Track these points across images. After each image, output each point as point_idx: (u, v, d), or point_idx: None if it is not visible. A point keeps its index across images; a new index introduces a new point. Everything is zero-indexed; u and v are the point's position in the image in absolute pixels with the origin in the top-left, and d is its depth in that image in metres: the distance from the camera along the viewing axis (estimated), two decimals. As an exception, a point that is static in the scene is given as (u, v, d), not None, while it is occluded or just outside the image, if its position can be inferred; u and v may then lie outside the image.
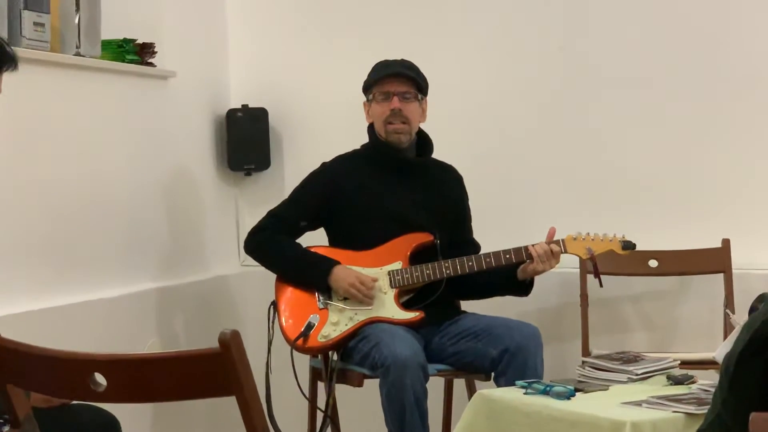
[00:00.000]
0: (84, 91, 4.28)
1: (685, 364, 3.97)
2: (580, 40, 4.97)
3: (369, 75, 4.39)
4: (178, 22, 4.91)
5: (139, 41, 4.57)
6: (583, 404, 3.43)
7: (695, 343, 4.68)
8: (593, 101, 4.96)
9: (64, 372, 2.10)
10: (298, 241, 4.34)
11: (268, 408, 4.15)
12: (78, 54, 4.15)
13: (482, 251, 4.29)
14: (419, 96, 4.34)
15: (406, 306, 4.22)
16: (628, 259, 4.46)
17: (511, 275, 4.23)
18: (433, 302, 4.20)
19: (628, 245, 4.25)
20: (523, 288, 4.29)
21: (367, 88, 4.37)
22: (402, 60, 4.38)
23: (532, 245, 4.17)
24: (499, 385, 4.03)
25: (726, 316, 4.47)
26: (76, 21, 4.13)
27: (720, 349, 3.68)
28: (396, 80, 4.32)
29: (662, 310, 4.88)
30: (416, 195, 4.34)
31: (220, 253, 5.17)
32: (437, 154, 4.44)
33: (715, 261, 4.68)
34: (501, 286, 4.33)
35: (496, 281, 4.30)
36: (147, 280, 4.60)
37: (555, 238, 4.21)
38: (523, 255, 4.19)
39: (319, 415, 4.30)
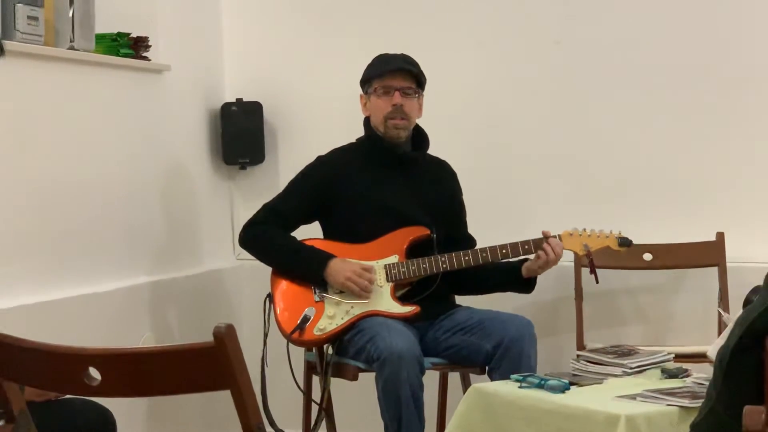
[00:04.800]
0: (78, 85, 4.27)
1: (679, 357, 3.97)
2: (577, 34, 4.97)
3: (369, 68, 4.37)
4: (172, 16, 4.90)
5: (134, 35, 4.56)
6: (577, 398, 3.43)
7: (690, 337, 4.69)
8: (588, 95, 4.96)
9: (59, 366, 2.10)
10: (293, 234, 4.34)
11: (263, 401, 4.15)
12: (72, 48, 4.14)
13: (478, 246, 4.29)
14: (419, 92, 4.34)
15: (401, 300, 4.22)
16: (622, 253, 4.46)
17: (514, 272, 4.23)
18: (428, 296, 4.20)
19: (625, 242, 4.24)
20: (527, 285, 4.29)
21: (367, 81, 4.36)
22: (402, 54, 4.37)
23: (546, 241, 4.14)
24: (493, 378, 4.03)
25: (719, 315, 4.47)
26: (70, 14, 4.12)
27: (713, 347, 3.68)
28: (398, 75, 4.31)
29: (657, 304, 4.89)
30: (411, 189, 4.34)
31: (214, 246, 5.17)
32: (433, 150, 4.43)
33: (709, 254, 4.69)
34: (504, 283, 4.33)
35: (498, 278, 4.30)
36: (142, 274, 4.59)
37: (552, 234, 4.20)
38: (519, 250, 4.18)
39: (314, 408, 4.30)
